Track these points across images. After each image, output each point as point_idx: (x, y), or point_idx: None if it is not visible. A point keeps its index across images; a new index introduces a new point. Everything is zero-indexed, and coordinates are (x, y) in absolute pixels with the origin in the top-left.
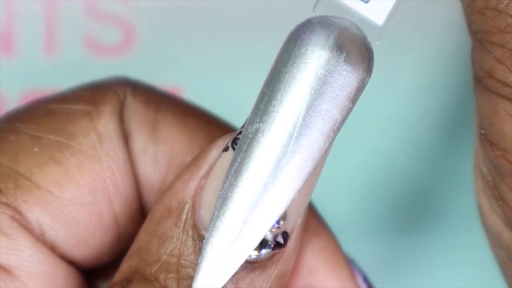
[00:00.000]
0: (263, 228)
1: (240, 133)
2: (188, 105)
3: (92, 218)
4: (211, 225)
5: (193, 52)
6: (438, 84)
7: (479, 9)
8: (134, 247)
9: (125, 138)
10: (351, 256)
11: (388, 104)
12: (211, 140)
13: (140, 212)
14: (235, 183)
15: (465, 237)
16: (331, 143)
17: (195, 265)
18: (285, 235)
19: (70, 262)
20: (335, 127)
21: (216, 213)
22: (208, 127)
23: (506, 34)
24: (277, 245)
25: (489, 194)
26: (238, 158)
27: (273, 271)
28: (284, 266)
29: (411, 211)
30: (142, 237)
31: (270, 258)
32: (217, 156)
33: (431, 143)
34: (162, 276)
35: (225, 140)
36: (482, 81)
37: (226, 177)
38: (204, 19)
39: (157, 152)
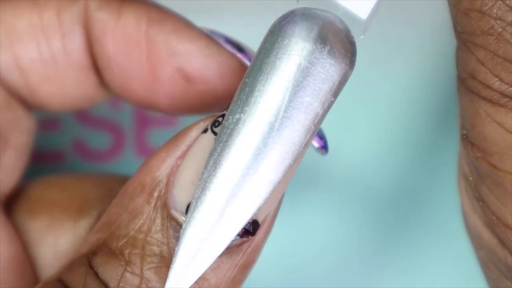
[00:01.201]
0: (241, 220)
1: (221, 116)
2: None
3: None
4: (188, 215)
5: None
6: (424, 84)
7: (464, 10)
8: (104, 219)
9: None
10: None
11: (373, 104)
12: None
13: (9, 96)
14: (214, 173)
15: (449, 238)
16: (311, 136)
17: (161, 243)
18: (255, 224)
19: None
20: (316, 120)
21: (194, 203)
22: None
23: (489, 36)
24: (246, 233)
25: (471, 194)
26: (218, 148)
27: (240, 259)
28: (250, 256)
29: (396, 211)
30: (113, 210)
31: (238, 245)
32: (196, 136)
33: (417, 143)
34: (127, 251)
35: (206, 122)
36: (464, 82)
37: (205, 167)
38: (204, 19)
39: None
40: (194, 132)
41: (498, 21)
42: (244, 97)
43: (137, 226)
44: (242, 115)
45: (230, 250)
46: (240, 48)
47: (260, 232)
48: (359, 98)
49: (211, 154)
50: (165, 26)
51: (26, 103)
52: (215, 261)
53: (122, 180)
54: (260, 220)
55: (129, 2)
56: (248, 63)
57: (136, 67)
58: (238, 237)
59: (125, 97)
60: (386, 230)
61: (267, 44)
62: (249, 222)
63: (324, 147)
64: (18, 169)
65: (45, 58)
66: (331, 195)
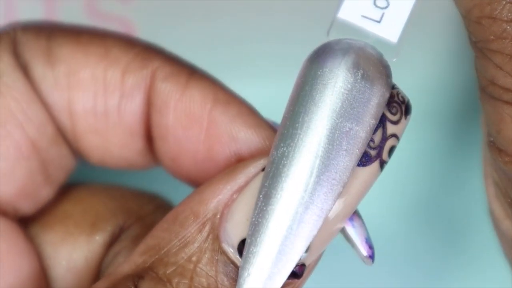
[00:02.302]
0: (298, 252)
1: None
2: (81, 26)
3: (9, 149)
4: (245, 251)
5: (193, 52)
6: (445, 90)
7: (475, 18)
8: (150, 242)
9: (24, 69)
10: None
11: None
12: (106, 52)
13: (58, 134)
14: (265, 209)
15: (475, 243)
16: (356, 161)
17: (210, 276)
18: (303, 267)
19: (4, 214)
20: (360, 144)
21: (249, 240)
22: (101, 39)
23: (503, 40)
24: (292, 275)
25: (502, 200)
26: (265, 183)
27: None
28: None
29: (421, 221)
30: (161, 234)
31: (282, 287)
32: (255, 173)
33: (439, 146)
34: (175, 280)
35: (266, 160)
36: (486, 89)
37: (256, 203)
38: (204, 19)
39: (56, 74)
40: (253, 169)
41: (510, 24)
42: (285, 131)
43: (187, 256)
44: (286, 148)
45: None
46: None
47: (305, 275)
48: None
49: (260, 190)
50: (230, 109)
51: (71, 146)
52: None
53: (134, 193)
54: (307, 264)
55: (197, 77)
56: None
57: (192, 143)
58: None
59: (174, 170)
60: (411, 238)
61: (302, 78)
62: (297, 265)
63: (372, 257)
64: (46, 200)
65: (97, 111)
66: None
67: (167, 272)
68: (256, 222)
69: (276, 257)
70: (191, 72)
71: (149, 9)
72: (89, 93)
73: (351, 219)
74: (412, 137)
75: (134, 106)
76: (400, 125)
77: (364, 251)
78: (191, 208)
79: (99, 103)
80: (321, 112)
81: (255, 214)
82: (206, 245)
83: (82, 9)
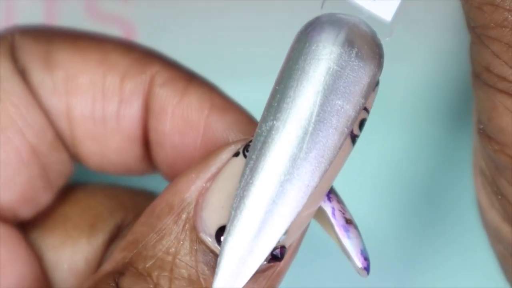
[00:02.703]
0: (282, 227)
1: (252, 140)
2: (79, 30)
3: (9, 155)
4: (228, 225)
5: (194, 52)
6: (436, 81)
7: (477, 4)
8: (130, 237)
9: (22, 74)
10: None
11: (387, 100)
12: (104, 57)
13: (57, 139)
14: (251, 181)
15: (464, 233)
16: (344, 139)
17: (190, 266)
18: (283, 249)
19: (4, 220)
20: (349, 123)
21: (233, 212)
22: (100, 44)
23: (503, 29)
24: (273, 258)
25: (488, 189)
26: (253, 156)
27: (264, 285)
28: (274, 281)
29: (411, 207)
30: (139, 229)
31: (263, 271)
32: (227, 159)
33: (431, 139)
34: (155, 273)
35: (237, 145)
36: (480, 76)
37: (242, 175)
38: (204, 19)
39: (55, 79)
40: (225, 155)
41: None
42: (275, 104)
43: (165, 248)
44: (275, 122)
45: (255, 275)
46: None
47: (286, 257)
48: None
49: (246, 163)
50: (226, 116)
51: (70, 151)
52: None
53: (130, 192)
54: (287, 245)
55: (195, 83)
56: None
57: (189, 149)
58: (265, 262)
59: (170, 176)
60: (400, 227)
61: (294, 51)
62: (277, 248)
63: (367, 269)
64: (46, 205)
65: (96, 117)
66: (345, 189)
67: (147, 266)
68: (241, 195)
69: (260, 230)
70: (189, 78)
71: (149, 9)
72: (87, 98)
73: (346, 229)
74: (404, 130)
75: (132, 112)
76: (369, 98)
77: (359, 263)
78: (166, 200)
79: (97, 108)
80: (314, 87)
81: (240, 187)
82: (183, 235)
83: (83, 9)
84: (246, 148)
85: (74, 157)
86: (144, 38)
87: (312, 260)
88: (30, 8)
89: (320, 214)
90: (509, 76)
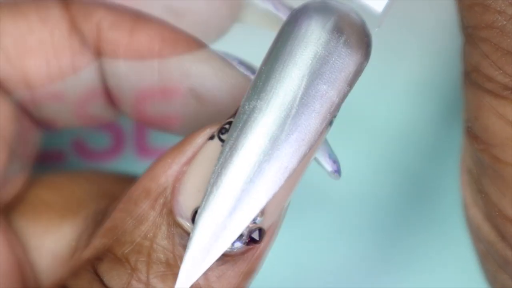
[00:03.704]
0: (257, 206)
1: (227, 123)
2: None
3: None
4: (204, 200)
5: None
6: (427, 79)
7: (469, 4)
8: (108, 224)
9: None
10: None
11: (377, 99)
12: (47, 15)
13: (16, 108)
14: (230, 159)
15: (447, 230)
16: (326, 125)
17: (167, 251)
18: (261, 232)
19: None
20: (332, 109)
21: (209, 188)
22: (40, 4)
23: (493, 29)
24: (252, 241)
25: (473, 187)
26: (233, 134)
27: (245, 267)
28: (254, 263)
29: (397, 204)
30: (117, 215)
31: (243, 253)
32: (202, 143)
33: (420, 138)
34: (133, 258)
35: (212, 129)
36: (469, 75)
37: (221, 153)
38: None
39: (4, 46)
40: (201, 139)
41: (502, 14)
42: (260, 84)
43: (143, 233)
44: (259, 101)
45: (235, 258)
46: (253, 70)
47: (265, 240)
48: (362, 93)
49: (226, 141)
50: (178, 46)
51: (33, 117)
52: (221, 269)
53: (113, 176)
54: (265, 228)
55: (142, 22)
56: None
57: (147, 87)
58: (244, 245)
59: (137, 117)
60: (386, 223)
61: (283, 34)
62: (256, 230)
63: (337, 172)
64: (21, 180)
65: (53, 75)
66: (332, 186)
67: (125, 251)
68: (219, 172)
69: (234, 208)
70: (135, 18)
71: (149, 9)
72: (41, 59)
73: None
74: (395, 127)
75: (87, 61)
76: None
77: (329, 166)
78: (143, 185)
79: (52, 66)
80: (300, 71)
81: (219, 164)
82: (161, 220)
83: None
84: (220, 131)
85: (40, 121)
86: None
87: (314, 257)
88: None
89: None
90: (497, 77)
